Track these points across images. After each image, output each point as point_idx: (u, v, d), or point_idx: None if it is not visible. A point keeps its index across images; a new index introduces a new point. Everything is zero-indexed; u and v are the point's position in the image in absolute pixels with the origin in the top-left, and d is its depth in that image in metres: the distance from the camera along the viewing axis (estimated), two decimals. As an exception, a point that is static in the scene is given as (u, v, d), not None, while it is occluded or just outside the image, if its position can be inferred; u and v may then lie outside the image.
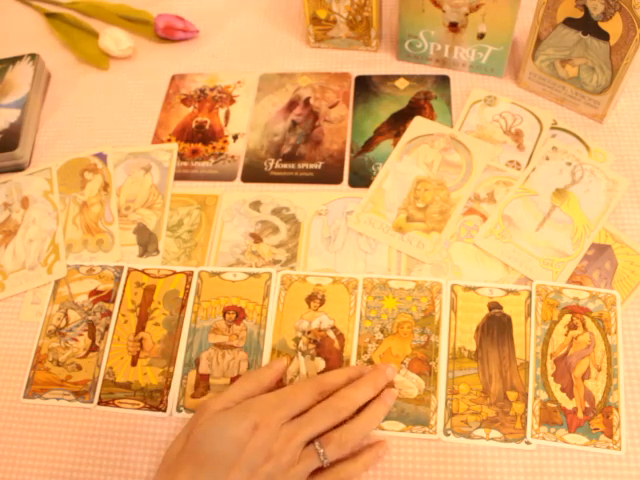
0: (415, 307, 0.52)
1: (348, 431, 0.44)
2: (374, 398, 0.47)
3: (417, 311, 0.52)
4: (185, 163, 0.64)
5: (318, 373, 0.51)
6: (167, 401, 0.52)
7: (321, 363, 0.51)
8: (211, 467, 0.41)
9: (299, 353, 0.52)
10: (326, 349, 0.52)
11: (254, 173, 0.62)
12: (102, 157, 0.65)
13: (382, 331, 0.52)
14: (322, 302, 0.54)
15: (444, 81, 0.66)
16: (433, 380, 0.50)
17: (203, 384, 0.52)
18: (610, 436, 0.47)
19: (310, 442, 0.44)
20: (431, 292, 0.53)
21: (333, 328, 0.52)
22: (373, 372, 0.48)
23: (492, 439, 0.47)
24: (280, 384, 0.50)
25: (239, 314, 0.54)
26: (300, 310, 0.54)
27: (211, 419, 0.44)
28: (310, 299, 0.54)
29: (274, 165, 0.63)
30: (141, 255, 0.59)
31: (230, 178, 0.62)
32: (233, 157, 0.64)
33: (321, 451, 0.43)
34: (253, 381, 0.47)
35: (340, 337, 0.52)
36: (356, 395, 0.46)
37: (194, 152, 0.65)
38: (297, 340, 0.52)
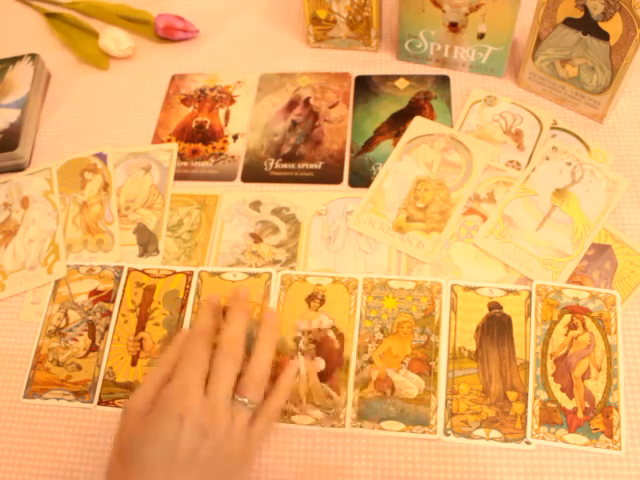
0: (415, 307, 0.52)
1: (255, 369, 0.46)
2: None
3: (417, 311, 0.52)
4: (185, 163, 0.64)
5: (318, 373, 0.51)
6: (167, 401, 0.51)
7: (321, 363, 0.51)
8: (154, 474, 0.41)
9: (299, 353, 0.52)
10: (326, 349, 0.52)
11: (254, 173, 0.62)
12: (102, 157, 0.65)
13: (382, 331, 0.52)
14: (322, 302, 0.54)
15: (444, 81, 0.66)
16: (433, 380, 0.50)
17: (203, 384, 0.52)
18: (610, 436, 0.47)
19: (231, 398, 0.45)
20: (431, 292, 0.53)
21: (333, 328, 0.52)
22: (232, 300, 0.50)
23: (492, 439, 0.47)
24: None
25: (239, 314, 0.54)
26: (300, 310, 0.54)
27: (137, 430, 0.43)
28: (310, 299, 0.54)
29: (274, 165, 0.63)
30: (141, 255, 0.59)
31: (230, 178, 0.62)
32: (233, 157, 0.64)
33: (245, 400, 0.44)
34: (163, 365, 0.47)
35: (340, 337, 0.52)
36: (235, 331, 0.47)
37: (194, 152, 0.65)
38: (297, 340, 0.52)
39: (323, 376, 0.51)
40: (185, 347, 0.47)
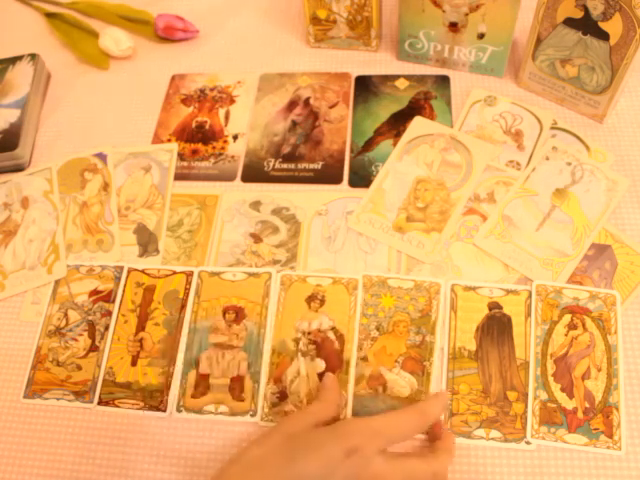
0: (412, 306, 0.52)
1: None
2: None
3: (414, 310, 0.52)
4: (185, 163, 0.64)
5: (318, 374, 0.51)
6: (167, 401, 0.52)
7: (321, 364, 0.51)
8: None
9: (299, 354, 0.52)
10: (326, 350, 0.52)
11: (254, 173, 0.62)
12: (102, 157, 0.65)
13: (378, 329, 0.52)
14: (322, 303, 0.54)
15: (444, 81, 0.66)
16: (426, 380, 0.50)
17: (203, 384, 0.52)
18: (610, 436, 0.47)
19: None
20: (429, 292, 0.53)
21: (333, 329, 0.52)
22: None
23: (492, 439, 0.47)
24: (280, 385, 0.51)
25: (239, 314, 0.54)
26: (300, 311, 0.54)
27: (308, 434, 0.42)
28: (310, 300, 0.54)
29: (274, 165, 0.63)
30: (141, 255, 0.59)
31: (230, 178, 0.62)
32: (233, 157, 0.64)
33: None
34: (319, 402, 0.47)
35: (340, 338, 0.52)
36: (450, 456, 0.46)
37: (194, 152, 0.65)
38: (297, 341, 0.52)
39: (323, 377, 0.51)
40: (403, 410, 0.46)
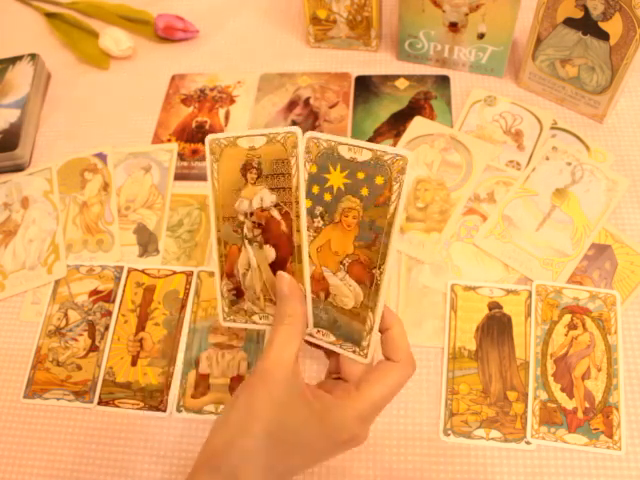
0: (367, 189, 0.39)
1: None
2: None
3: (369, 196, 0.39)
4: (185, 163, 0.64)
5: (270, 265, 0.41)
6: (167, 401, 0.52)
7: (271, 252, 0.41)
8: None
9: (246, 242, 0.42)
10: (273, 233, 0.41)
11: (254, 173, 0.62)
12: (102, 157, 0.65)
13: (322, 216, 0.40)
14: (259, 172, 0.41)
15: (444, 81, 0.66)
16: (373, 294, 0.39)
17: (203, 384, 0.52)
18: (610, 436, 0.47)
19: None
20: (390, 170, 0.38)
21: (277, 206, 0.41)
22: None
23: (492, 439, 0.47)
24: (234, 280, 0.43)
25: (239, 314, 0.54)
26: (237, 185, 0.42)
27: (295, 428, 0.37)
28: (245, 169, 0.42)
29: (274, 165, 0.62)
30: (141, 255, 0.59)
31: (230, 178, 0.62)
32: (233, 157, 0.64)
33: None
34: (285, 320, 0.39)
35: (286, 216, 0.41)
36: None
37: (194, 152, 0.65)
38: (240, 226, 0.42)
39: (275, 268, 0.41)
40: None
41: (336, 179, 0.40)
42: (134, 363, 0.54)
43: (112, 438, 0.51)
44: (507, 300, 0.52)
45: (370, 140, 0.62)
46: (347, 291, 0.40)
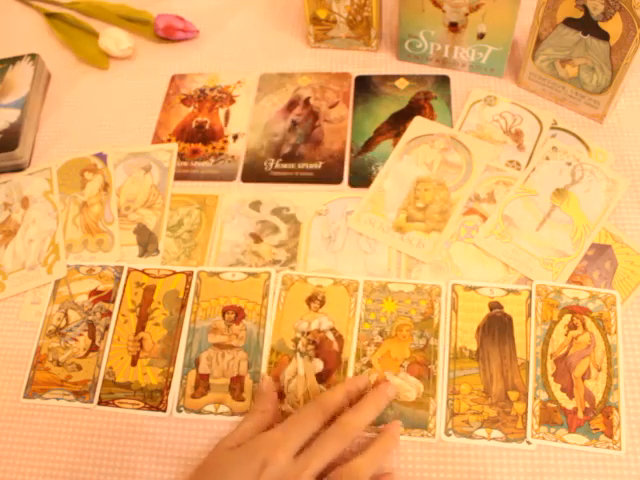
0: (414, 310, 0.52)
1: (357, 468, 0.43)
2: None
3: (416, 314, 0.52)
4: (185, 163, 0.64)
5: (316, 374, 0.51)
6: (167, 401, 0.51)
7: (319, 364, 0.51)
8: None
9: (297, 354, 0.52)
10: (325, 350, 0.52)
11: (254, 173, 0.62)
12: (102, 157, 0.65)
13: (381, 334, 0.52)
14: (322, 303, 0.54)
15: (444, 81, 0.66)
16: (432, 383, 0.49)
17: (203, 384, 0.52)
18: (610, 436, 0.47)
19: (321, 476, 0.42)
20: (430, 295, 0.53)
21: (332, 330, 0.52)
22: (374, 393, 0.47)
23: (493, 439, 0.47)
24: (278, 385, 0.51)
25: (238, 314, 0.54)
26: (300, 311, 0.54)
27: (216, 461, 0.43)
28: (310, 300, 0.54)
29: (274, 165, 0.63)
30: (141, 255, 0.59)
31: (230, 178, 0.62)
32: (233, 157, 0.64)
33: None
34: (257, 412, 0.47)
35: (339, 339, 0.52)
36: (359, 420, 0.45)
37: (194, 152, 0.65)
38: (296, 341, 0.52)
39: (321, 377, 0.51)
40: (300, 410, 0.46)
41: (389, 306, 0.53)
42: (134, 363, 0.54)
43: (112, 438, 0.51)
44: (508, 300, 0.52)
45: (370, 140, 0.62)
46: (409, 386, 0.49)
